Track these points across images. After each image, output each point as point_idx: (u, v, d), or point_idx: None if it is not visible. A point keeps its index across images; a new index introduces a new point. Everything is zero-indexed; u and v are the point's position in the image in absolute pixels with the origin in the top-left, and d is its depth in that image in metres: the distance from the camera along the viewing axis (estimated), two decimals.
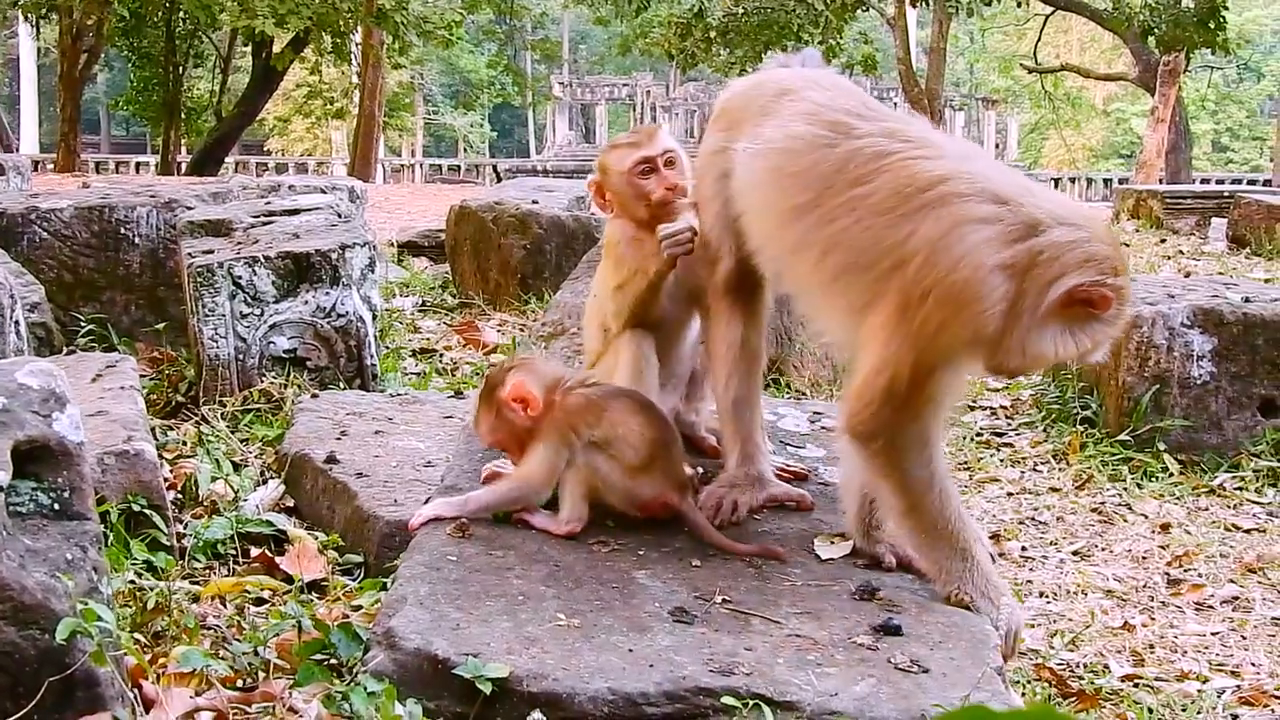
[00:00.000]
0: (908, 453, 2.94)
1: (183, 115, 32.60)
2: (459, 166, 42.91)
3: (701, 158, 3.43)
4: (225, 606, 3.61)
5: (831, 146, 3.02)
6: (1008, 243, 2.77)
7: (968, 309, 2.77)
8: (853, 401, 2.97)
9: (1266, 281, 8.62)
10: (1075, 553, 4.76)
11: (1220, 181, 29.16)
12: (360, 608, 3.49)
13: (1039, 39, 33.89)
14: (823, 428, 4.05)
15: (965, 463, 5.74)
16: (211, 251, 6.06)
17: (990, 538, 4.57)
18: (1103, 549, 4.81)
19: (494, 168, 37.71)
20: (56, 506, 2.57)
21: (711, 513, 3.26)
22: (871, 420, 2.92)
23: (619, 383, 3.44)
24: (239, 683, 2.89)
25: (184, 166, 30.05)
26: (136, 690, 2.65)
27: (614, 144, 3.65)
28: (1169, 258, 11.52)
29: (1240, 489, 5.42)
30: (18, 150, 33.05)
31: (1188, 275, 8.85)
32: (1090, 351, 2.87)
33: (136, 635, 3.17)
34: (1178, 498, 5.34)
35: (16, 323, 4.94)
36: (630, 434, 3.14)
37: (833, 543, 3.22)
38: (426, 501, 3.92)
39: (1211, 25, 24.08)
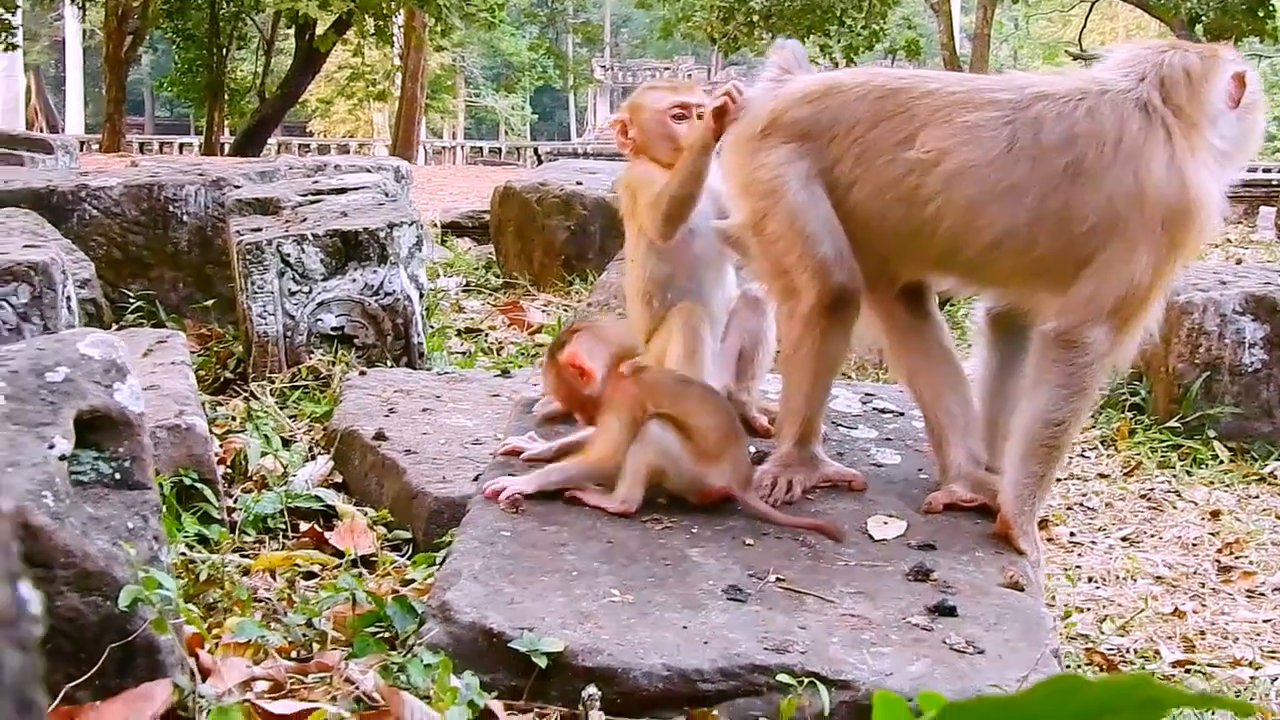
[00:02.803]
0: (1098, 373, 3.14)
1: (226, 97, 32.73)
2: (500, 149, 42.94)
3: (763, 170, 3.32)
4: (275, 580, 3.62)
5: (1010, 123, 3.12)
6: (1175, 137, 3.09)
7: (1201, 212, 3.08)
8: (1079, 311, 3.11)
9: None
10: (1124, 539, 4.73)
11: (1268, 170, 28.84)
12: (412, 582, 3.49)
13: (1084, 26, 33.57)
14: (874, 409, 4.04)
15: None
16: (260, 229, 6.08)
17: (1038, 524, 4.55)
18: (1152, 535, 4.77)
19: (535, 150, 37.70)
20: (117, 476, 2.59)
21: (766, 492, 3.26)
22: (1089, 330, 3.09)
23: (672, 359, 3.46)
24: (294, 654, 2.91)
25: (227, 147, 30.18)
26: (193, 659, 2.67)
27: (652, 86, 3.80)
28: (1217, 245, 11.41)
29: None
30: (63, 131, 33.30)
31: (1239, 262, 8.77)
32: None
33: (189, 606, 3.19)
34: (1228, 485, 5.29)
35: (68, 298, 4.97)
36: (703, 421, 3.13)
37: (886, 523, 3.22)
38: (475, 479, 3.95)
39: (1260, 14, 23.83)
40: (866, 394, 4.19)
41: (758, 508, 3.17)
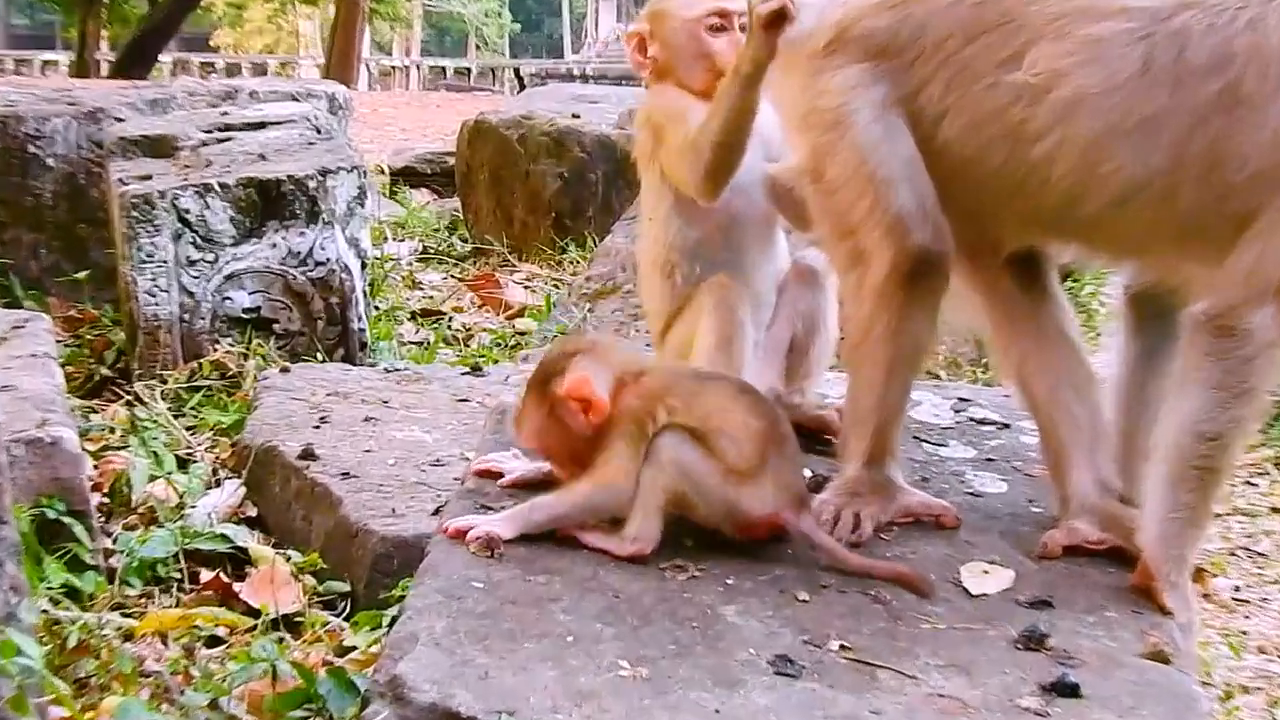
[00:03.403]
0: (1265, 371, 3.08)
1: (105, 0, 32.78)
2: (469, 70, 43.03)
3: (826, 98, 3.34)
4: (168, 646, 3.64)
5: (1146, 37, 3.10)
6: None
7: None
8: (1238, 287, 3.07)
9: None
10: None
11: None
12: (352, 650, 3.50)
13: None
14: (970, 419, 4.03)
15: None
16: (149, 177, 6.09)
17: (1191, 574, 4.55)
18: None
19: (516, 72, 37.80)
20: None
21: (826, 529, 3.25)
22: (1252, 313, 3.05)
23: (702, 350, 3.46)
24: None
25: (105, 67, 30.23)
26: None
27: None
28: None
29: None
30: None
31: None
32: None
33: (56, 680, 3.20)
34: None
35: None
36: (733, 426, 3.12)
37: (986, 572, 3.21)
38: (436, 512, 3.94)
39: None
40: (960, 398, 4.19)
41: (818, 539, 3.15)
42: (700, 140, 3.49)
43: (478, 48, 54.18)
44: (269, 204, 5.92)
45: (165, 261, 5.82)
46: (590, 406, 3.16)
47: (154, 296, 5.80)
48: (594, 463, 3.18)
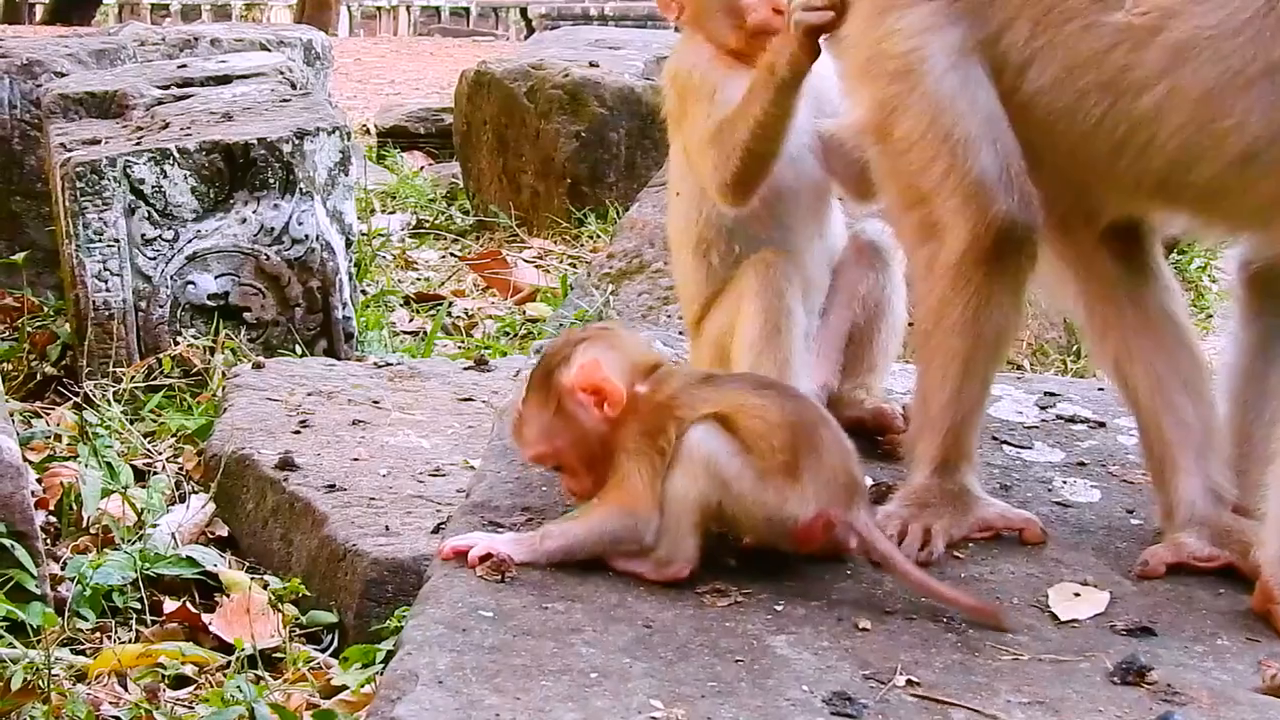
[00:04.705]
0: None
1: None
2: (467, 10, 42.94)
3: (893, 40, 3.32)
4: (128, 688, 3.66)
5: None
6: None
7: None
8: None
9: None
10: None
11: None
12: (341, 690, 3.52)
13: None
14: (1059, 417, 4.04)
15: None
16: (97, 142, 6.11)
17: None
18: None
19: (523, 12, 37.70)
20: None
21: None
22: None
23: (744, 340, 3.45)
24: None
25: (40, 11, 30.25)
26: None
27: None
28: None
29: None
30: None
31: None
32: None
33: None
34: None
35: None
36: (752, 418, 3.13)
37: (1078, 594, 3.20)
38: (436, 530, 3.97)
39: None
40: (1047, 393, 4.18)
41: (875, 539, 3.12)
42: (725, 140, 3.48)
43: None
44: (237, 172, 5.94)
45: (117, 240, 5.84)
46: (605, 396, 3.14)
47: (104, 282, 5.82)
48: (609, 480, 3.17)
